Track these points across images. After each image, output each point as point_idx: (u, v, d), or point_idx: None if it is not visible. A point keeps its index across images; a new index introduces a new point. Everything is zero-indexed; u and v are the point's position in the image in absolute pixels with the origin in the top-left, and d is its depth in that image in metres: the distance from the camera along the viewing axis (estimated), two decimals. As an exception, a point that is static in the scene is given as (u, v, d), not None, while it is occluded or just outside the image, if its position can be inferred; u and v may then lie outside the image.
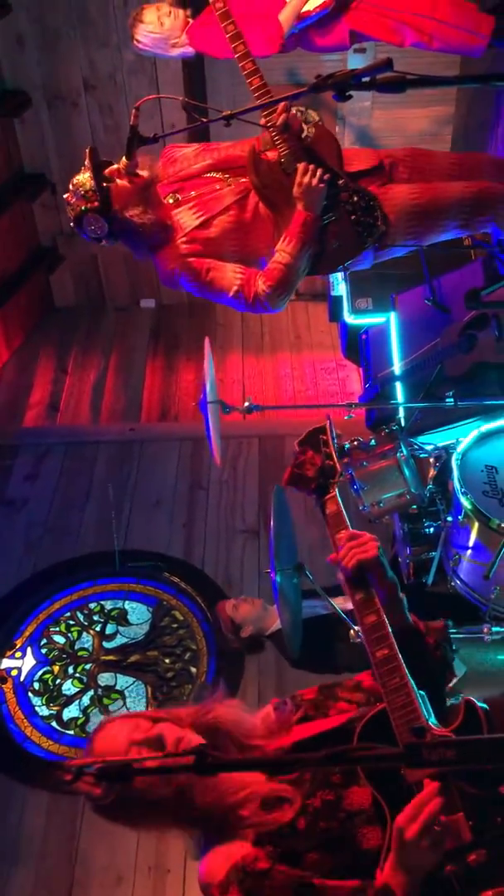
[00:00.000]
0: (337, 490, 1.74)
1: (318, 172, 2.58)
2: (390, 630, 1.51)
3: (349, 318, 4.19)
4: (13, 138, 4.92)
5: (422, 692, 1.45)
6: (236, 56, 2.64)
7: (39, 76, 4.70)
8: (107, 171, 2.53)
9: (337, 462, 1.79)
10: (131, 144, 2.35)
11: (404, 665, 1.46)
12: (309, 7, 3.08)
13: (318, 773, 1.45)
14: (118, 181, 2.52)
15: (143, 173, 2.54)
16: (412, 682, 1.44)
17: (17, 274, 5.18)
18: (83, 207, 2.52)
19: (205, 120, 2.27)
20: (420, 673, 1.50)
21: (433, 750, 0.86)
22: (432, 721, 1.43)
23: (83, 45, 4.58)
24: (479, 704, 1.44)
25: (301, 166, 2.57)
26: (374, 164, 2.78)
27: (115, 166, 2.53)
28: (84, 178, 2.51)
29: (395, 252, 2.87)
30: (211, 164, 2.70)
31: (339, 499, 1.73)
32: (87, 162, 2.51)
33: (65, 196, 2.58)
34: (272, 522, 2.58)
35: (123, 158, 2.45)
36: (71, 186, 2.54)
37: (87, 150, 2.53)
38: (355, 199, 2.67)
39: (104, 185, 2.50)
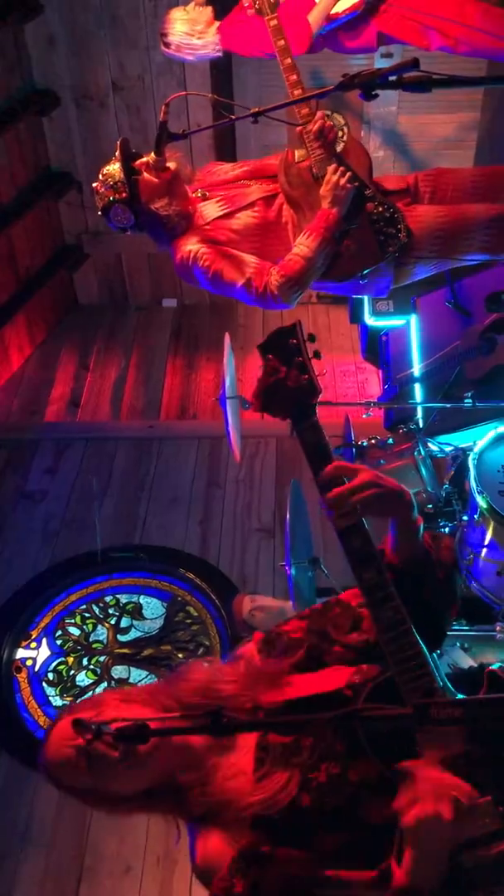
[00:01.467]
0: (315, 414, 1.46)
1: (348, 174, 2.63)
2: (394, 590, 1.36)
3: (370, 321, 4.21)
4: (41, 136, 4.98)
5: (434, 655, 1.34)
6: (283, 67, 2.70)
7: (69, 76, 4.76)
8: (136, 163, 2.58)
9: (314, 375, 1.48)
10: (160, 140, 2.40)
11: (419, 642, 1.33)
12: (338, 9, 3.12)
13: (319, 742, 1.35)
14: (146, 174, 2.57)
15: (171, 165, 2.58)
16: (423, 646, 1.33)
17: (41, 271, 5.24)
18: (111, 198, 2.57)
19: (233, 117, 2.31)
20: (421, 610, 1.39)
21: (442, 708, 0.86)
22: (450, 687, 1.32)
23: (112, 47, 4.64)
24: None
25: (332, 167, 2.62)
26: (401, 186, 2.83)
27: (145, 159, 2.58)
28: (114, 168, 2.56)
29: (416, 276, 2.88)
30: (244, 171, 2.75)
31: (320, 425, 1.46)
32: (117, 153, 2.56)
33: (94, 185, 2.63)
34: (288, 516, 2.60)
35: (152, 153, 2.49)
36: (101, 176, 2.59)
37: (119, 142, 2.58)
38: (380, 209, 2.70)
39: (133, 177, 2.55)
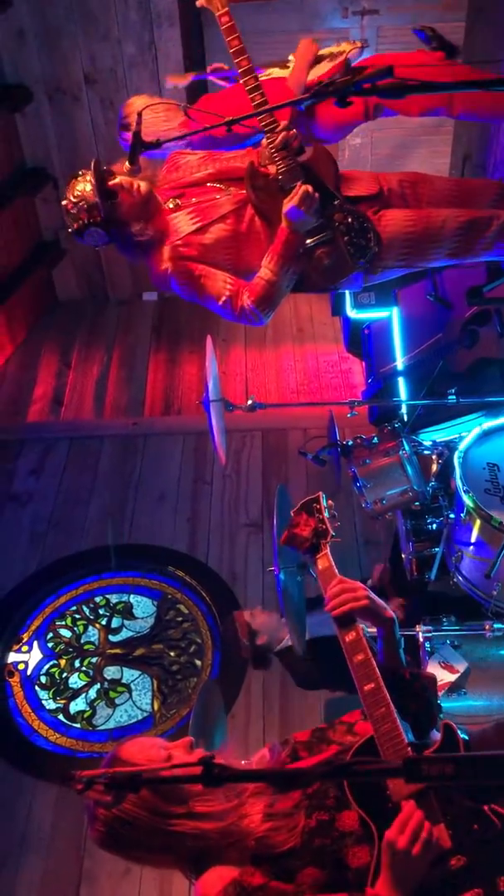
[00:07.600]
0: (328, 549, 1.92)
1: (309, 198, 2.57)
2: (376, 666, 1.64)
3: (352, 313, 4.20)
4: (14, 133, 4.92)
5: (405, 722, 1.56)
6: (239, 72, 2.63)
7: (40, 70, 4.69)
8: (110, 183, 2.53)
9: (329, 525, 1.96)
10: (134, 150, 2.36)
11: (388, 696, 1.57)
12: (313, 76, 2.96)
13: (314, 799, 1.51)
14: (123, 197, 2.53)
15: (143, 186, 2.55)
16: (395, 710, 1.54)
17: (19, 268, 5.20)
18: (86, 221, 2.53)
19: (205, 125, 2.27)
20: (403, 714, 1.60)
21: (432, 765, 0.88)
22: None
23: (84, 39, 4.57)
24: (461, 735, 1.54)
25: (296, 188, 2.57)
26: (373, 191, 2.79)
27: (118, 179, 2.53)
28: (86, 190, 2.50)
29: (385, 276, 2.87)
30: (212, 173, 2.70)
31: (331, 556, 1.90)
32: (90, 177, 2.50)
33: (64, 203, 2.57)
34: (275, 521, 2.60)
35: (126, 163, 2.45)
36: (72, 196, 2.53)
37: (92, 162, 2.52)
38: (349, 220, 2.67)
39: (109, 201, 2.51)
